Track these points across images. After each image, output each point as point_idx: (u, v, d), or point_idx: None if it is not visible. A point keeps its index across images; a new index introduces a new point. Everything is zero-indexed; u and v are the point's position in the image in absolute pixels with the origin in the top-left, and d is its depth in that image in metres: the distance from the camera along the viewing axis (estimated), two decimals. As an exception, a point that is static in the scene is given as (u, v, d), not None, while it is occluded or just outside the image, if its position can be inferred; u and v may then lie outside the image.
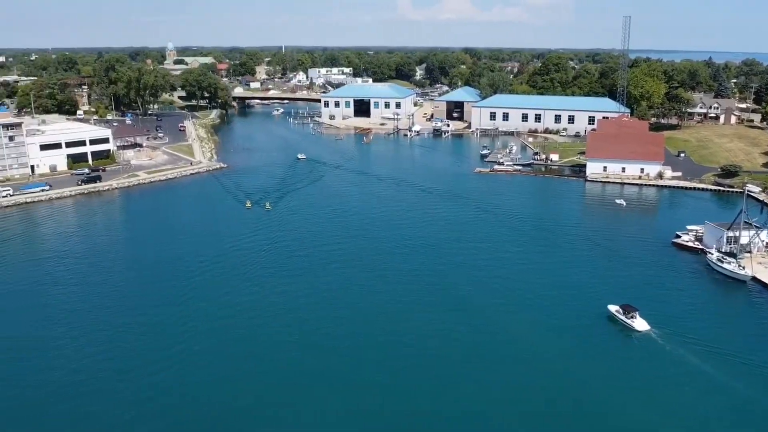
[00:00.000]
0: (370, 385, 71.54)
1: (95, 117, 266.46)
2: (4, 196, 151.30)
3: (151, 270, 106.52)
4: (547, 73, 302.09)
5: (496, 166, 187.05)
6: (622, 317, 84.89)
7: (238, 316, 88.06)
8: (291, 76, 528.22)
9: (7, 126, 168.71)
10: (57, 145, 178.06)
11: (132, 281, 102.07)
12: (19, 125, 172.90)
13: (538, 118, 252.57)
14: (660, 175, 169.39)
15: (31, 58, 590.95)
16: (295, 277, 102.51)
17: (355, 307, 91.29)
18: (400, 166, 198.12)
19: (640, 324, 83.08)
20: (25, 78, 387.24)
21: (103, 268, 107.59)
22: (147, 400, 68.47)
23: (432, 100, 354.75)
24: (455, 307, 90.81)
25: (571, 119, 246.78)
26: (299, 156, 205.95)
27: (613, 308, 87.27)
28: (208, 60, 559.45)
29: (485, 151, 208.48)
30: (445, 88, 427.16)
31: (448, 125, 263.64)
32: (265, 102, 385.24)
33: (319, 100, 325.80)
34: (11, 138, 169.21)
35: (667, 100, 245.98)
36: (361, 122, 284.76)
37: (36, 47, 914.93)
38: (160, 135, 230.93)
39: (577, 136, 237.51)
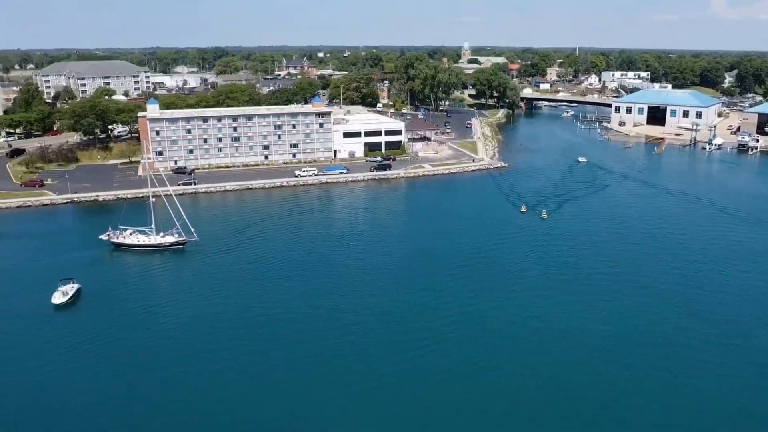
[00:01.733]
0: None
1: (392, 110, 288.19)
2: (310, 175, 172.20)
3: (419, 256, 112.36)
4: None
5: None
6: None
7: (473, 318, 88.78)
8: (582, 78, 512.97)
9: (319, 114, 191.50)
10: (357, 134, 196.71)
11: (402, 262, 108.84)
12: (328, 114, 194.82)
13: None
14: None
15: (345, 55, 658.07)
16: (556, 291, 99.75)
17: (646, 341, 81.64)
18: (695, 182, 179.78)
19: None
20: (338, 72, 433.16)
21: (380, 246, 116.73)
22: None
23: (741, 111, 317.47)
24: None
25: None
26: (580, 159, 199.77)
27: None
28: (501, 60, 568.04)
29: None
30: (759, 98, 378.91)
31: (757, 140, 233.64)
32: (553, 104, 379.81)
33: (609, 105, 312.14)
34: (321, 125, 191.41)
35: None
36: (654, 131, 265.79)
37: (349, 45, 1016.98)
38: (448, 131, 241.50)
39: None
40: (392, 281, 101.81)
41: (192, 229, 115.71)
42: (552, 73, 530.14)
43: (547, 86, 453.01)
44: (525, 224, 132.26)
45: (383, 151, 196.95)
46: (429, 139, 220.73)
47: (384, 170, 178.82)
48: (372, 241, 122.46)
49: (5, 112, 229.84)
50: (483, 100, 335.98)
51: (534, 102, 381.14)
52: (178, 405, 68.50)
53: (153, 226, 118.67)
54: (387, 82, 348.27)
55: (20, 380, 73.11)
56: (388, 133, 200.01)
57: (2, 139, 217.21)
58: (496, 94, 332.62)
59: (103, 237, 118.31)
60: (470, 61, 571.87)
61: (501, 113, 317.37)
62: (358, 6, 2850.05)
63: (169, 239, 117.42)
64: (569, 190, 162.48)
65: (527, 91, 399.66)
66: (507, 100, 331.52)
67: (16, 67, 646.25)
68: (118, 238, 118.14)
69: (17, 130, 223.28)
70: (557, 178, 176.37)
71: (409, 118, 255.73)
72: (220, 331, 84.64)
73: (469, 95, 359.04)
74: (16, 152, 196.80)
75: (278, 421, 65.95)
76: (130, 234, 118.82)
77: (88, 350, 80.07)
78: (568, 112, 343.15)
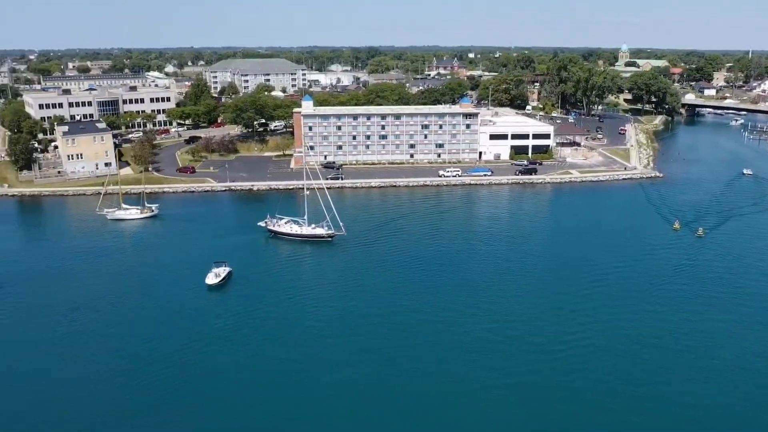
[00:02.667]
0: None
1: (541, 113, 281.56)
2: (453, 176, 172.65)
3: (558, 263, 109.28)
4: None
5: None
6: None
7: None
8: (754, 84, 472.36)
9: (466, 115, 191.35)
10: (504, 136, 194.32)
11: (541, 268, 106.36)
12: (475, 115, 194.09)
13: None
14: None
15: (496, 56, 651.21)
16: (708, 308, 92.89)
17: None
18: None
19: None
20: (488, 73, 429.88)
21: (519, 251, 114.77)
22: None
23: None
24: None
25: None
26: (745, 171, 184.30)
27: None
28: (662, 63, 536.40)
29: None
30: None
31: None
32: (718, 111, 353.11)
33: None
34: (468, 126, 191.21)
35: None
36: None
37: (501, 45, 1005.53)
38: (599, 136, 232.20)
39: None
40: (529, 286, 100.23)
41: (341, 223, 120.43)
42: (719, 78, 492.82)
43: (712, 92, 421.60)
44: (676, 241, 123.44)
45: (530, 154, 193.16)
46: (578, 145, 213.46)
47: (529, 174, 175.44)
48: (512, 245, 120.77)
49: (177, 104, 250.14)
50: (639, 106, 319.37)
51: (696, 109, 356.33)
52: (304, 385, 71.78)
53: (305, 217, 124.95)
54: (538, 84, 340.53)
55: (169, 351, 79.92)
56: (536, 136, 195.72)
57: (174, 129, 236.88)
58: (654, 99, 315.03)
59: (261, 224, 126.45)
60: (628, 64, 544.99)
61: (658, 120, 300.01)
62: (512, 6, 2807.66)
63: (320, 231, 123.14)
64: (732, 207, 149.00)
65: (689, 97, 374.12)
66: (666, 106, 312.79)
67: (189, 63, 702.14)
68: (274, 226, 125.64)
69: (186, 122, 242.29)
70: (718, 192, 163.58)
71: (558, 121, 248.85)
72: (357, 321, 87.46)
73: (625, 100, 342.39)
74: (193, 139, 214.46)
75: (417, 411, 67.14)
76: (285, 223, 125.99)
77: (231, 329, 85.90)
78: (736, 120, 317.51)
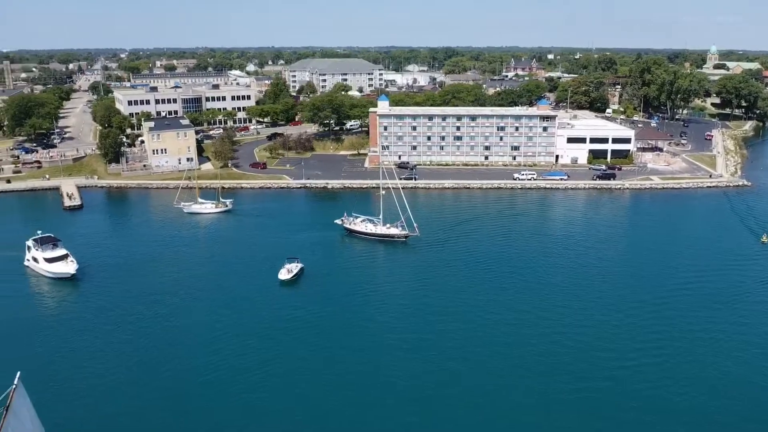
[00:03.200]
0: None
1: (622, 116, 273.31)
2: (529, 179, 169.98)
3: (632, 272, 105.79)
4: None
5: None
6: None
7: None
8: None
9: (543, 117, 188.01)
10: (582, 140, 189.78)
11: (614, 277, 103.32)
12: (553, 118, 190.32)
13: None
14: None
15: (575, 57, 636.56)
16: None
17: None
18: None
19: None
20: (567, 75, 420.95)
21: (593, 258, 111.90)
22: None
23: None
24: None
25: None
26: None
27: None
28: (754, 66, 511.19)
29: None
30: None
31: None
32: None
33: None
34: (545, 129, 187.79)
35: None
36: None
37: (581, 47, 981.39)
38: (683, 141, 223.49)
39: None
40: (603, 292, 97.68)
41: (415, 224, 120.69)
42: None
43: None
44: (764, 255, 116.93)
45: (608, 159, 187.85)
46: (661, 150, 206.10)
47: (607, 179, 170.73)
48: (585, 251, 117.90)
49: (257, 102, 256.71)
50: (728, 110, 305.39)
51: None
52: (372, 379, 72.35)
53: (381, 216, 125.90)
54: (619, 86, 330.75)
55: (239, 341, 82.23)
56: (616, 140, 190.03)
57: (253, 127, 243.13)
58: (744, 104, 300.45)
59: (338, 221, 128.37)
60: (716, 67, 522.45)
61: (748, 125, 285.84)
62: (593, 6, 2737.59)
63: (394, 231, 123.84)
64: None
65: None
66: (757, 111, 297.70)
67: (269, 63, 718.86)
68: (350, 224, 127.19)
69: (265, 120, 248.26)
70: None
71: (640, 125, 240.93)
72: (422, 322, 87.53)
73: (712, 104, 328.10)
74: (275, 135, 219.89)
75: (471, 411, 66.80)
76: (361, 221, 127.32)
77: (302, 322, 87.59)
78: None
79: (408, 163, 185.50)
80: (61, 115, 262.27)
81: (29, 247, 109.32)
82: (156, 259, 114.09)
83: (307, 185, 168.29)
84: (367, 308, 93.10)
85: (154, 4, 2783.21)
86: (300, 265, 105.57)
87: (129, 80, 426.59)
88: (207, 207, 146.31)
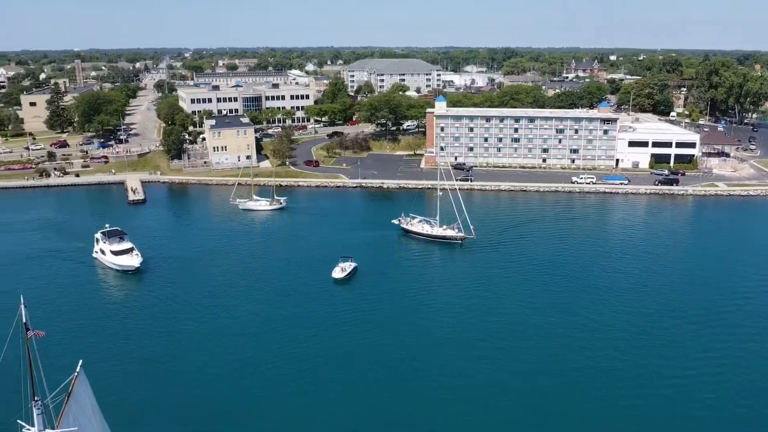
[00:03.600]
0: None
1: (687, 120, 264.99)
2: (587, 183, 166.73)
3: (694, 282, 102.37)
4: None
5: None
6: None
7: None
8: None
9: (604, 120, 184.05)
10: (644, 143, 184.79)
11: (674, 286, 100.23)
12: (614, 121, 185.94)
13: None
14: None
15: (639, 58, 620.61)
16: None
17: None
18: None
19: None
20: (630, 77, 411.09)
21: (652, 265, 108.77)
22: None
23: None
24: None
25: None
26: None
27: None
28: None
29: None
30: None
31: None
32: None
33: None
34: (606, 132, 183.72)
35: None
36: None
37: (645, 48, 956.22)
38: (752, 147, 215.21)
39: None
40: (663, 300, 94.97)
41: (471, 227, 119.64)
42: None
43: None
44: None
45: (671, 164, 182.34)
46: (728, 155, 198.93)
47: (670, 185, 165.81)
48: (645, 258, 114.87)
49: (315, 102, 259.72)
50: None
51: None
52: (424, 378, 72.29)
53: (437, 217, 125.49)
54: (684, 89, 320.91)
55: (301, 335, 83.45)
56: (680, 145, 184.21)
57: (311, 126, 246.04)
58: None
59: (395, 221, 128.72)
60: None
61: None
62: (657, 7, 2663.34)
63: (450, 233, 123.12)
64: None
65: None
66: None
67: (328, 62, 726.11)
68: (408, 224, 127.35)
69: (323, 119, 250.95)
70: None
71: (706, 130, 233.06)
72: (476, 323, 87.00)
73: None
74: (335, 134, 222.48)
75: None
76: (418, 222, 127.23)
77: (349, 322, 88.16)
78: None
79: (464, 164, 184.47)
80: (127, 112, 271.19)
81: (97, 240, 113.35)
82: (214, 253, 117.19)
83: (363, 185, 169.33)
84: (420, 308, 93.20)
85: (217, 4, 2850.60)
86: (354, 264, 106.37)
87: (192, 79, 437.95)
88: (261, 204, 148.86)
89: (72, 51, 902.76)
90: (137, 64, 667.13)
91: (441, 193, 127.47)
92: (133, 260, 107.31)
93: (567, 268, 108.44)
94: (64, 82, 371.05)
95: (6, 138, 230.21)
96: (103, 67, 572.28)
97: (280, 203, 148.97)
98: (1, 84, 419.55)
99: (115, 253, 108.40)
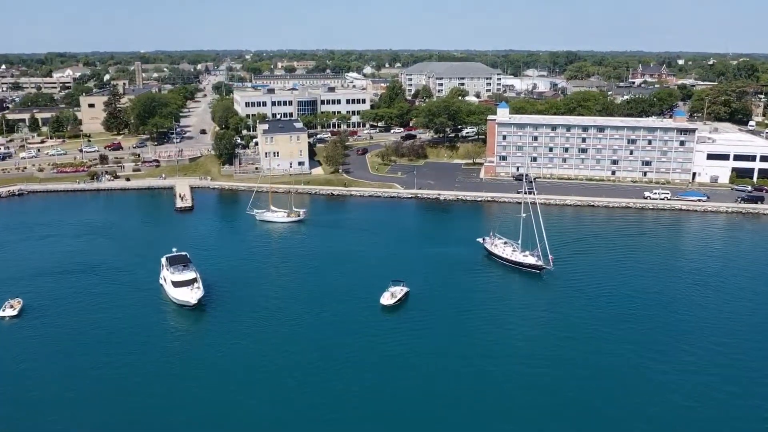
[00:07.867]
0: None
1: (767, 130, 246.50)
2: (662, 198, 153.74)
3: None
4: None
5: None
6: None
7: None
8: None
9: (681, 130, 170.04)
10: (724, 156, 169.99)
11: (758, 316, 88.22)
12: (692, 131, 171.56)
13: None
14: None
15: (710, 63, 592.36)
16: None
17: None
18: None
19: None
20: (701, 82, 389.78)
21: (730, 292, 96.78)
22: None
23: None
24: None
25: None
26: None
27: None
28: None
29: None
30: None
31: None
32: None
33: None
34: (682, 143, 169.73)
35: None
36: None
37: (714, 51, 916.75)
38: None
39: None
40: (746, 334, 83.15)
41: (550, 256, 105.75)
42: None
43: None
44: None
45: (755, 179, 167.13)
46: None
47: (754, 203, 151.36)
48: (724, 284, 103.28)
49: (372, 106, 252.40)
50: None
51: None
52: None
53: (520, 241, 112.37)
54: (764, 96, 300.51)
55: (328, 372, 75.39)
56: (764, 159, 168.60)
57: (366, 131, 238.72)
58: None
59: (479, 240, 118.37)
60: None
61: None
62: (726, 6, 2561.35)
63: (529, 260, 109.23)
64: None
65: None
66: None
67: (386, 65, 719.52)
68: (491, 245, 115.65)
69: (379, 124, 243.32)
70: None
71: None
72: (538, 352, 77.36)
73: None
74: (408, 137, 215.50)
75: None
76: (503, 243, 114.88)
77: (393, 359, 79.55)
78: None
79: (526, 175, 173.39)
80: (183, 114, 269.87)
81: (162, 265, 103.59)
82: (259, 271, 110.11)
83: (419, 195, 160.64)
84: (473, 347, 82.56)
85: (275, 6, 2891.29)
86: (405, 289, 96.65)
87: (251, 81, 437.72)
88: (279, 216, 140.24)
89: (138, 53, 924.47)
90: (198, 66, 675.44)
91: (524, 216, 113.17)
92: (191, 295, 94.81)
93: (639, 296, 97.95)
94: (124, 83, 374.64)
95: (64, 139, 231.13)
96: (165, 69, 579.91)
97: (298, 215, 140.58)
98: (68, 84, 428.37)
99: (176, 284, 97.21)
